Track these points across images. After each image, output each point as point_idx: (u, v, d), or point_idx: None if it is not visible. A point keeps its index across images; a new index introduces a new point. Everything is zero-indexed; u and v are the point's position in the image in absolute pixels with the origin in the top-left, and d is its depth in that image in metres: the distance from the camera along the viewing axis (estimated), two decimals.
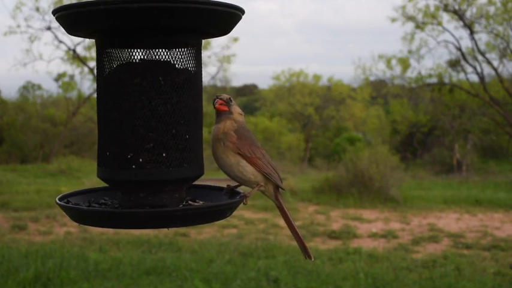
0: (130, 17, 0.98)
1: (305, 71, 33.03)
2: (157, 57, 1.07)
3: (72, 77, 21.32)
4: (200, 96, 1.13)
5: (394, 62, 22.42)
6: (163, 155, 1.06)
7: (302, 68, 43.34)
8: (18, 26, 16.93)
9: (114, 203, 1.19)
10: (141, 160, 1.05)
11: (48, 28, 16.44)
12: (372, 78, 24.56)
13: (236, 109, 1.33)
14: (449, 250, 7.14)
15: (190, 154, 1.10)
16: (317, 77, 29.27)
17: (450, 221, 9.43)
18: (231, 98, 1.33)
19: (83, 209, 1.10)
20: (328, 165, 18.64)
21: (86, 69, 17.89)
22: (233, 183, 1.31)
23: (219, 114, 1.31)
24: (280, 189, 1.35)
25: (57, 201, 1.16)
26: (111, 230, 8.31)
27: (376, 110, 29.72)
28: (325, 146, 28.45)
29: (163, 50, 1.07)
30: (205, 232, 8.21)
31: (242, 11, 1.09)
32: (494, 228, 8.72)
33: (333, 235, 8.13)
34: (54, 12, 1.05)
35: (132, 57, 1.06)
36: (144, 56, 1.07)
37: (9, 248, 6.58)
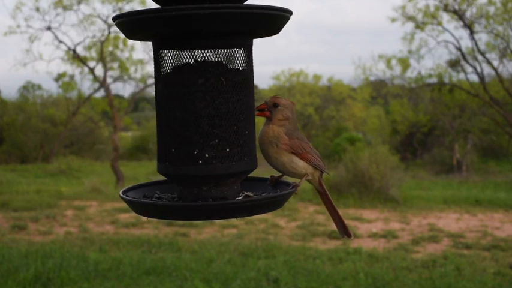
0: (187, 23, 1.06)
1: (305, 71, 33.04)
2: (215, 58, 1.14)
3: (72, 77, 21.28)
4: (253, 94, 1.21)
5: (394, 62, 22.42)
6: (227, 150, 1.15)
7: (302, 68, 43.37)
8: (18, 26, 16.86)
9: (169, 196, 1.27)
10: (207, 156, 1.13)
11: (48, 28, 16.42)
12: (372, 78, 24.55)
13: (278, 116, 1.38)
14: (449, 250, 7.14)
15: (249, 148, 1.19)
16: (317, 77, 29.27)
17: (450, 221, 9.43)
18: (278, 103, 1.38)
19: (159, 204, 1.17)
20: (328, 165, 18.61)
21: (86, 69, 17.86)
22: (276, 174, 1.41)
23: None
24: (323, 175, 1.48)
25: (130, 197, 1.23)
26: (111, 230, 8.31)
27: (376, 110, 29.71)
28: (325, 146, 28.43)
29: (221, 50, 1.14)
30: (205, 232, 8.22)
31: (290, 13, 1.16)
32: (494, 228, 8.72)
33: (333, 235, 8.12)
34: (114, 19, 1.14)
35: (193, 58, 1.13)
36: (204, 58, 1.13)
37: (9, 248, 6.58)
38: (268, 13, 1.10)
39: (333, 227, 8.64)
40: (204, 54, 1.13)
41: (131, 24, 1.12)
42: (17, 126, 24.40)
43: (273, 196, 1.20)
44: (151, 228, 8.46)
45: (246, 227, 8.58)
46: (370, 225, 9.01)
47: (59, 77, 21.73)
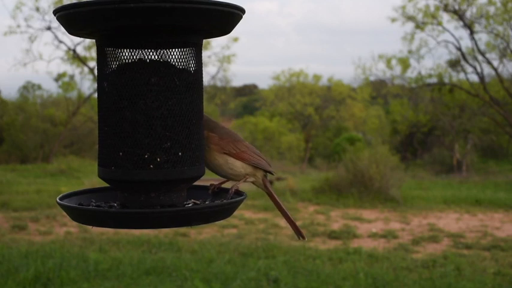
0: (131, 17, 0.99)
1: (305, 71, 33.03)
2: (167, 57, 1.08)
3: (72, 77, 21.32)
4: (203, 96, 1.16)
5: (394, 62, 22.44)
6: (179, 154, 1.08)
7: (302, 68, 43.37)
8: (18, 26, 16.93)
9: (106, 205, 1.19)
10: (158, 160, 1.06)
11: (48, 28, 16.44)
12: (372, 78, 24.59)
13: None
14: (449, 250, 7.14)
15: (200, 153, 1.13)
16: (317, 77, 29.27)
17: (450, 221, 9.43)
18: None
19: (107, 211, 1.09)
20: (328, 165, 18.64)
21: (86, 69, 17.89)
22: (217, 181, 1.33)
23: None
24: (268, 176, 1.39)
25: (76, 205, 1.16)
26: (111, 230, 8.31)
27: (376, 110, 29.71)
28: (325, 146, 28.43)
29: (174, 50, 1.09)
30: (205, 232, 8.22)
31: (243, 11, 1.10)
32: (494, 228, 8.72)
33: (333, 235, 8.13)
34: (54, 12, 1.06)
35: (144, 57, 1.07)
36: (155, 57, 1.08)
37: (9, 248, 6.58)
38: (221, 10, 1.03)
39: (334, 227, 8.66)
40: (155, 53, 1.07)
41: (74, 19, 1.03)
42: (17, 126, 24.40)
43: (228, 203, 1.13)
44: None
45: (246, 227, 8.58)
46: (370, 225, 9.01)
47: (59, 77, 21.76)
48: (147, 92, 1.06)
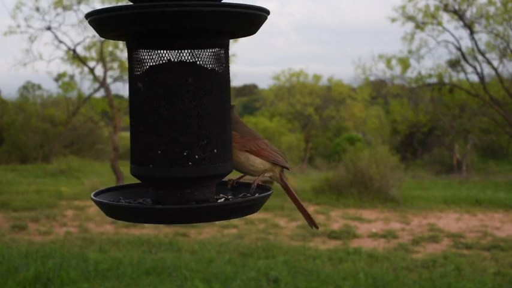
0: (161, 21, 1.03)
1: (305, 71, 33.02)
2: (198, 58, 1.12)
3: (72, 77, 21.26)
4: (230, 95, 1.20)
5: (394, 62, 22.41)
6: (214, 151, 1.13)
7: (302, 68, 43.37)
8: (18, 26, 16.83)
9: (137, 201, 1.23)
10: (196, 157, 1.11)
11: (48, 28, 16.41)
12: (372, 78, 24.54)
13: None
14: (449, 250, 7.14)
15: (230, 150, 1.19)
16: (317, 77, 29.25)
17: (450, 221, 9.43)
18: None
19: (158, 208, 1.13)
20: (328, 165, 18.65)
21: (86, 69, 17.85)
22: (235, 177, 1.38)
23: None
24: (285, 170, 1.46)
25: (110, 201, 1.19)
26: (111, 231, 8.31)
27: (376, 110, 29.71)
28: (325, 146, 28.44)
29: (208, 50, 1.13)
30: (205, 232, 8.22)
31: (268, 12, 1.14)
32: (494, 228, 8.73)
33: (333, 235, 8.13)
34: (86, 16, 1.10)
35: (181, 58, 1.11)
36: (189, 57, 1.12)
37: (9, 248, 6.58)
38: (248, 12, 1.08)
39: (333, 226, 8.67)
40: (190, 54, 1.11)
41: (106, 23, 1.08)
42: (17, 126, 24.41)
43: (260, 197, 1.19)
44: (151, 228, 8.46)
45: (246, 227, 8.59)
46: (370, 225, 9.01)
47: (59, 77, 21.73)
48: (185, 92, 1.10)
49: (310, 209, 10.48)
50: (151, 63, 1.12)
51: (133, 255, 6.27)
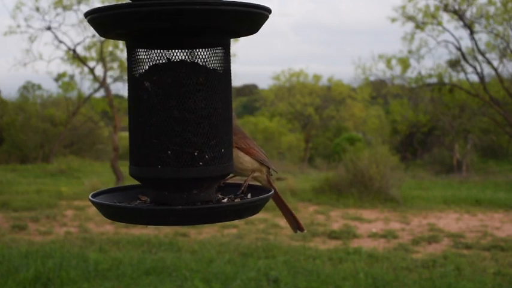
0: (163, 19, 1.02)
1: (305, 71, 32.99)
2: (206, 57, 1.12)
3: (72, 77, 21.26)
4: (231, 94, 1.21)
5: (394, 62, 22.40)
6: (222, 150, 1.13)
7: (302, 68, 43.36)
8: (18, 26, 16.83)
9: (139, 202, 1.22)
10: (207, 157, 1.10)
11: (48, 28, 16.41)
12: (372, 78, 24.53)
13: None
14: (449, 250, 7.14)
15: (232, 149, 1.19)
16: (317, 77, 29.25)
17: (450, 221, 9.43)
18: None
19: (178, 209, 1.11)
20: (328, 165, 18.64)
21: (86, 69, 17.84)
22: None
23: None
24: (272, 172, 1.46)
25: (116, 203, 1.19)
26: (111, 231, 8.31)
27: (376, 110, 29.70)
28: (325, 146, 28.44)
29: (217, 49, 1.13)
30: (205, 232, 8.22)
31: (269, 11, 1.13)
32: (494, 228, 8.72)
33: (333, 235, 8.13)
34: (86, 15, 1.09)
35: (196, 58, 1.11)
36: (197, 57, 1.11)
37: (9, 248, 6.58)
38: (249, 11, 1.07)
39: (334, 227, 8.66)
40: (193, 53, 1.10)
41: (106, 21, 1.07)
42: (17, 126, 24.40)
43: (264, 197, 1.19)
44: (151, 228, 8.46)
45: (246, 227, 8.58)
46: (370, 225, 9.01)
47: (59, 77, 21.73)
48: (196, 91, 1.09)
49: (310, 209, 10.48)
50: (158, 62, 1.10)
51: (133, 255, 6.27)
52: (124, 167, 17.61)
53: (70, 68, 34.52)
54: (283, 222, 9.14)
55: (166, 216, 1.07)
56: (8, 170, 19.02)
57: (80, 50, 17.34)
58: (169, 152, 1.08)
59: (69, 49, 16.77)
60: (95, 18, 1.07)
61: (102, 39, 16.74)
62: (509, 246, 7.38)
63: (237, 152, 1.34)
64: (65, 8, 16.34)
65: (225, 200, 1.22)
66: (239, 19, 1.08)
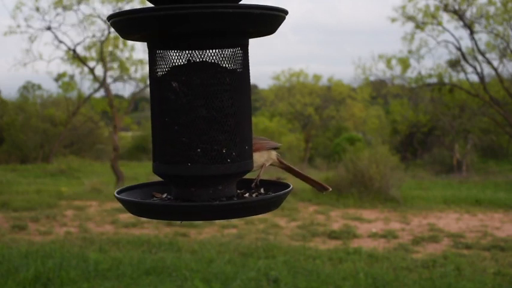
0: (190, 22, 1.06)
1: (305, 71, 33.01)
2: (224, 58, 1.15)
3: (72, 77, 21.25)
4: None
5: (394, 62, 22.40)
6: (246, 147, 1.17)
7: (302, 68, 43.35)
8: (18, 26, 16.83)
9: (165, 197, 1.26)
10: (234, 154, 1.15)
11: (48, 28, 16.41)
12: (372, 78, 24.53)
13: None
14: (449, 250, 7.14)
15: (252, 146, 1.23)
16: (317, 77, 29.25)
17: (450, 221, 9.43)
18: None
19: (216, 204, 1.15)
20: (328, 165, 18.64)
21: (86, 69, 17.84)
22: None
23: None
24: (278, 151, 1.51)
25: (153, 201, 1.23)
26: (111, 230, 8.31)
27: (376, 110, 29.70)
28: (325, 146, 28.44)
29: (237, 49, 1.17)
30: (205, 232, 8.22)
31: (286, 13, 1.17)
32: (494, 228, 8.73)
33: (333, 235, 8.13)
34: (108, 18, 1.13)
35: (221, 59, 1.15)
36: (217, 57, 1.14)
37: (9, 248, 6.58)
38: (267, 13, 1.12)
39: (334, 227, 8.66)
40: (218, 54, 1.14)
41: (130, 24, 1.11)
42: (17, 126, 24.41)
43: (283, 193, 1.23)
44: (151, 228, 8.46)
45: (246, 227, 8.58)
46: (370, 225, 9.01)
47: (59, 77, 21.73)
48: (223, 91, 1.13)
49: (310, 209, 10.48)
50: (184, 63, 1.14)
51: (133, 255, 6.27)
52: (124, 167, 17.62)
53: (70, 68, 34.54)
54: (283, 222, 9.14)
55: (204, 212, 1.12)
56: (8, 170, 19.02)
57: (80, 50, 17.33)
58: (198, 150, 1.13)
59: (69, 49, 16.77)
60: (120, 21, 1.11)
61: (102, 39, 16.75)
62: (509, 246, 7.38)
63: None
64: (65, 8, 16.34)
65: (247, 195, 1.26)
66: (263, 21, 1.13)
